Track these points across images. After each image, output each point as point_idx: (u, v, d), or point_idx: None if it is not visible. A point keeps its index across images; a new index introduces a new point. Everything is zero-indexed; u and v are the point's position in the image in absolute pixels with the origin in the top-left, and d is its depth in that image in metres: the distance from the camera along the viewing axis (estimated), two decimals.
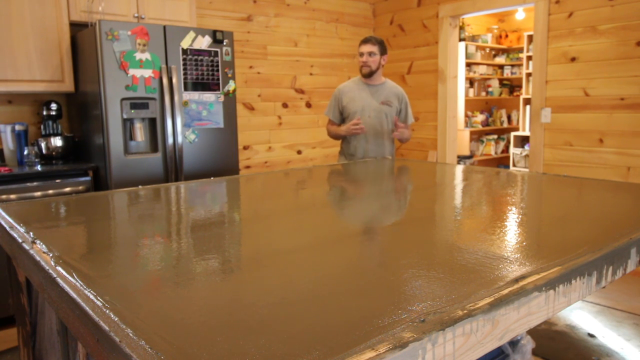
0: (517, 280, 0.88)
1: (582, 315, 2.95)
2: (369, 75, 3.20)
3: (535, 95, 4.02)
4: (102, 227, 1.39)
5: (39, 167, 3.03)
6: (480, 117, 6.54)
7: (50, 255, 1.06)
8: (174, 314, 0.78)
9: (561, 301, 0.93)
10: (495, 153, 6.76)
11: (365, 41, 3.19)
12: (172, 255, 1.11)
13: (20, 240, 1.19)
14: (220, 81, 3.41)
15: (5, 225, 1.35)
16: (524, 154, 6.44)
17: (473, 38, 6.41)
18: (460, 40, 5.63)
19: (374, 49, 3.16)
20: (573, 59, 3.78)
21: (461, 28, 5.89)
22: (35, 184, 2.89)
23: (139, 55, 3.04)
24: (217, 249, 1.14)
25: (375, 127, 3.19)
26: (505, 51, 6.93)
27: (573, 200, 1.70)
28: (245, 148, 4.43)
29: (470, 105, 6.57)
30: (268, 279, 0.96)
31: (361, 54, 3.18)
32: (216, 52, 3.37)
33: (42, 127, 3.32)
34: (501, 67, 6.87)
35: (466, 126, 6.33)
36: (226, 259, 1.08)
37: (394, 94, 3.26)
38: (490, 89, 6.73)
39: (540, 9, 3.92)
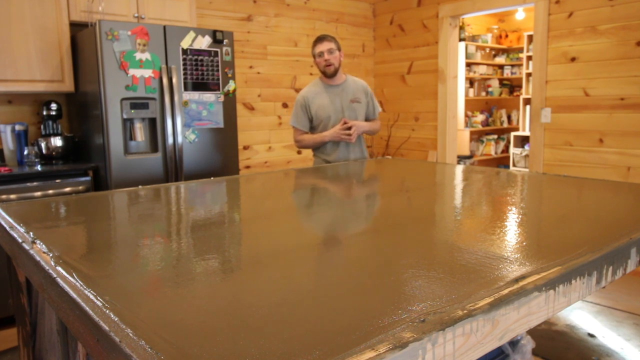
0: (517, 280, 0.88)
1: (582, 315, 2.95)
2: (334, 73, 3.02)
3: (535, 95, 4.02)
4: (102, 227, 1.39)
5: (39, 167, 3.03)
6: (480, 117, 6.54)
7: (50, 255, 1.06)
8: (174, 314, 0.78)
9: (561, 301, 0.93)
10: (495, 153, 6.76)
11: (320, 40, 3.01)
12: (172, 255, 1.11)
13: (20, 240, 1.19)
14: (220, 81, 3.41)
15: (5, 225, 1.35)
16: (524, 154, 6.44)
17: (473, 38, 6.41)
18: (460, 40, 5.63)
19: (332, 45, 2.98)
20: (573, 59, 3.78)
21: (461, 28, 5.89)
22: (35, 184, 2.89)
23: (139, 55, 3.04)
24: (217, 249, 1.14)
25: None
26: (505, 51, 6.93)
27: (573, 200, 1.70)
28: (245, 148, 4.43)
29: (470, 105, 6.57)
30: (268, 279, 0.96)
31: (320, 54, 2.99)
32: (216, 52, 3.37)
33: (42, 127, 3.32)
34: (501, 67, 6.87)
35: (466, 126, 6.33)
36: (226, 259, 1.08)
37: (360, 89, 3.12)
38: (490, 89, 6.73)
39: (540, 9, 3.92)
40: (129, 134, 3.12)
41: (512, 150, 6.62)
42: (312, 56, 3.09)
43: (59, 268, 0.98)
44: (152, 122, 3.19)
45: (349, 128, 2.98)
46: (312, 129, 3.11)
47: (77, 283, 0.89)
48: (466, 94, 6.26)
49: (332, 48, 2.98)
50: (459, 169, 2.50)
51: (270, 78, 4.55)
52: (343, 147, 3.07)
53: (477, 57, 6.40)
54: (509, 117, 6.93)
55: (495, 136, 6.79)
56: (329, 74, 3.02)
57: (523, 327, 0.84)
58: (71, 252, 1.10)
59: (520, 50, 6.63)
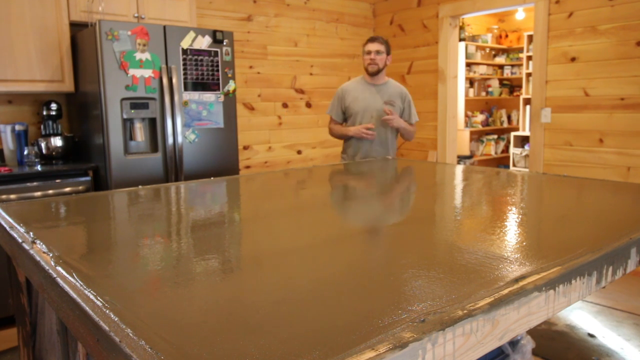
0: (517, 280, 0.88)
1: (582, 315, 2.95)
2: (375, 73, 3.21)
3: (535, 95, 4.02)
4: (102, 227, 1.39)
5: (39, 167, 3.03)
6: (480, 117, 6.54)
7: (50, 255, 1.06)
8: (174, 314, 0.78)
9: (561, 301, 0.93)
10: (495, 153, 6.76)
11: (372, 40, 3.22)
12: (172, 255, 1.11)
13: (20, 240, 1.19)
14: (220, 81, 3.41)
15: (5, 225, 1.35)
16: (524, 154, 6.44)
17: (473, 38, 6.40)
18: (460, 40, 5.62)
19: (381, 47, 3.19)
20: (573, 59, 3.78)
21: (461, 28, 5.89)
22: (35, 184, 2.89)
23: (139, 55, 3.04)
24: (217, 249, 1.14)
25: (377, 127, 3.21)
26: (505, 51, 6.93)
27: (573, 200, 1.70)
28: (245, 148, 4.43)
29: (470, 105, 6.57)
30: (268, 279, 0.96)
31: (368, 52, 3.20)
32: (216, 52, 3.37)
33: (42, 127, 3.32)
34: (501, 67, 6.86)
35: (466, 126, 6.33)
36: (226, 259, 1.08)
37: (398, 93, 3.27)
38: (490, 89, 6.72)
39: (540, 9, 3.91)
40: (129, 134, 3.12)
41: (512, 150, 6.62)
42: (361, 52, 3.32)
43: (59, 268, 0.97)
44: (152, 122, 3.19)
45: (385, 121, 3.15)
46: (345, 120, 3.31)
47: (77, 283, 0.89)
48: (466, 94, 6.26)
49: (380, 50, 3.20)
50: (459, 169, 2.50)
51: (270, 78, 4.55)
52: (369, 145, 3.22)
53: (477, 57, 6.40)
54: (509, 117, 6.93)
55: (495, 136, 6.79)
56: (370, 71, 3.23)
57: (523, 327, 0.84)
58: (71, 252, 1.10)
59: (520, 50, 6.63)
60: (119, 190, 1.97)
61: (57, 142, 3.24)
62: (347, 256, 1.13)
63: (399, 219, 1.49)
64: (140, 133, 3.14)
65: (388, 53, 3.23)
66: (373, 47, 3.18)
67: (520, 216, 1.45)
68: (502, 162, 6.90)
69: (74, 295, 0.84)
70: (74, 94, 3.34)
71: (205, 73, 3.33)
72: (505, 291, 0.83)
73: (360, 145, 3.22)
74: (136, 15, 3.36)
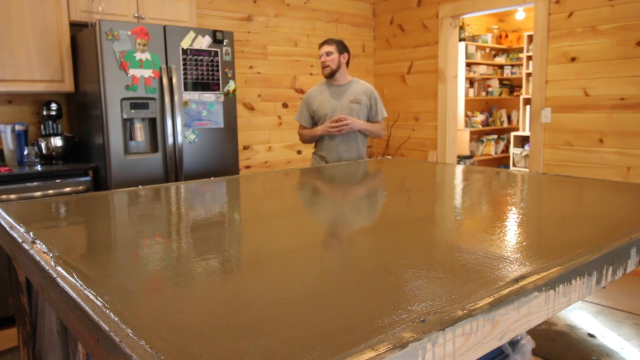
0: (517, 280, 0.88)
1: (582, 315, 2.95)
2: (330, 75, 3.19)
3: (535, 95, 4.02)
4: (102, 227, 1.39)
5: (39, 167, 3.03)
6: (480, 117, 6.54)
7: (50, 255, 1.06)
8: (174, 314, 0.78)
9: (561, 301, 0.93)
10: (495, 153, 6.76)
11: (322, 43, 3.22)
12: (172, 255, 1.11)
13: (20, 240, 1.19)
14: (220, 81, 3.41)
15: (5, 225, 1.35)
16: (524, 154, 6.44)
17: (473, 38, 6.41)
18: (460, 40, 5.62)
19: (331, 48, 3.17)
20: (573, 59, 3.78)
21: (461, 28, 5.89)
22: (35, 184, 2.89)
23: (139, 55, 3.04)
24: (217, 249, 1.14)
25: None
26: (505, 51, 6.93)
27: (573, 200, 1.70)
28: (245, 148, 4.43)
29: (470, 105, 6.57)
30: (268, 279, 0.96)
31: (320, 56, 3.20)
32: (216, 52, 3.37)
33: (42, 127, 3.32)
34: (501, 67, 6.86)
35: (466, 126, 6.33)
36: (226, 259, 1.08)
37: (362, 91, 3.23)
38: (490, 89, 6.72)
39: (540, 9, 3.91)
40: (129, 134, 3.12)
41: (512, 150, 6.62)
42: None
43: (59, 268, 0.98)
44: (152, 122, 3.19)
45: (339, 122, 3.10)
46: (315, 125, 3.28)
47: (77, 283, 0.89)
48: (466, 94, 6.26)
49: (330, 51, 3.18)
50: (459, 169, 2.50)
51: (270, 78, 4.55)
52: (338, 144, 3.17)
53: (477, 57, 6.40)
54: (509, 117, 6.93)
55: (495, 136, 6.79)
56: (324, 74, 3.23)
57: (523, 327, 0.84)
58: (71, 252, 1.10)
59: (520, 50, 6.63)
60: (119, 190, 1.97)
61: (57, 142, 3.24)
62: (347, 256, 1.13)
63: (399, 218, 1.49)
64: (140, 133, 3.14)
65: (341, 52, 3.18)
66: (322, 49, 3.19)
67: (520, 216, 1.45)
68: (502, 162, 6.90)
69: (74, 295, 0.84)
70: (74, 94, 3.34)
71: (205, 73, 3.33)
72: (505, 291, 0.83)
73: (331, 145, 3.17)
74: (136, 15, 3.36)
